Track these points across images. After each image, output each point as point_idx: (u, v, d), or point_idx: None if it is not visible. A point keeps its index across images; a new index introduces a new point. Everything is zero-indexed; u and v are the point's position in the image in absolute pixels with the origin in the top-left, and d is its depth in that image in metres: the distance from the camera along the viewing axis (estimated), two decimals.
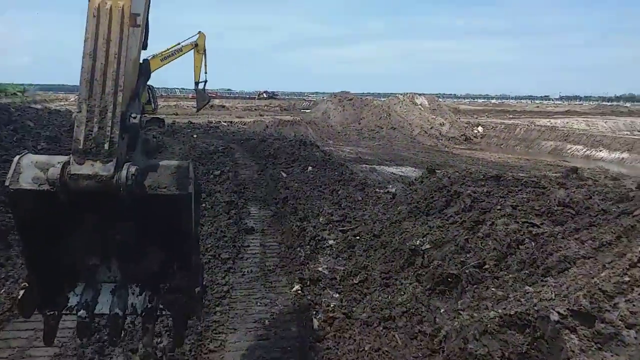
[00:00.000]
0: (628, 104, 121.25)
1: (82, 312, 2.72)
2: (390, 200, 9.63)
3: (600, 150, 36.50)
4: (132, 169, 2.42)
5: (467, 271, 4.61)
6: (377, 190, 10.15)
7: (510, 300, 3.62)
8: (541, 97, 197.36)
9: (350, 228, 7.81)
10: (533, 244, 4.41)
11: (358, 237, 7.05)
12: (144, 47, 3.15)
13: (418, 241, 5.82)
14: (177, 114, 47.76)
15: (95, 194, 2.41)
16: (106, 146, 2.42)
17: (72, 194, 2.40)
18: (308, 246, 6.99)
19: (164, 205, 2.57)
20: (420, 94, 49.97)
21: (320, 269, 6.35)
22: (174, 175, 2.57)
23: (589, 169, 26.91)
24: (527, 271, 4.03)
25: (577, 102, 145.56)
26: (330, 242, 7.20)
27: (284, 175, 11.52)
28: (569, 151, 38.52)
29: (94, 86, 2.49)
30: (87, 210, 2.62)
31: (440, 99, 59.60)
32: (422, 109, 45.92)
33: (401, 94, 49.37)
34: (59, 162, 2.40)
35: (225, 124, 37.07)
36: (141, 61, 3.08)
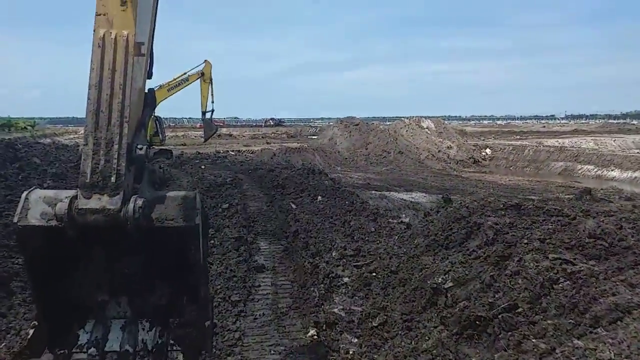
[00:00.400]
0: (635, 122, 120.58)
1: (92, 350, 2.68)
2: (404, 230, 9.30)
3: (611, 170, 35.97)
4: (139, 202, 2.39)
5: (498, 314, 4.26)
6: (390, 220, 9.84)
7: (557, 356, 3.25)
8: (547, 116, 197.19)
9: (365, 263, 7.47)
10: (570, 285, 4.06)
11: (374, 274, 6.71)
12: (149, 76, 3.13)
13: (440, 278, 5.48)
14: (185, 145, 47.93)
15: (103, 228, 2.37)
16: (113, 179, 2.39)
17: (80, 229, 2.36)
18: (322, 285, 6.65)
19: (171, 237, 2.54)
20: (426, 117, 49.92)
21: (336, 310, 6.00)
22: (181, 207, 2.53)
23: (602, 189, 26.56)
24: (570, 319, 3.67)
25: (583, 121, 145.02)
26: (345, 279, 6.85)
27: (294, 206, 11.25)
28: (579, 171, 38.01)
29: (100, 118, 2.47)
30: (96, 245, 2.60)
31: (446, 121, 59.55)
32: (429, 132, 45.77)
33: (407, 118, 49.35)
34: (66, 197, 2.38)
35: (233, 153, 37.06)
36: (146, 91, 3.06)
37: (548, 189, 28.75)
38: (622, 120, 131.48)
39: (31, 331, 2.63)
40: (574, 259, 4.62)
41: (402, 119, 49.44)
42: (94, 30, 2.56)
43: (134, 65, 2.59)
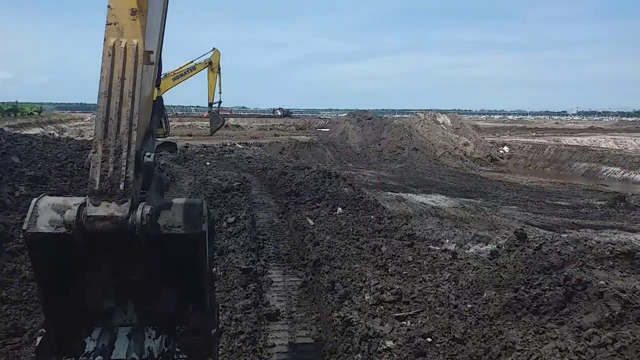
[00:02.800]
0: None
1: (99, 358, 2.68)
2: (450, 261, 7.55)
3: (639, 173, 33.95)
4: (147, 209, 2.39)
5: None
6: (430, 247, 8.09)
7: None
8: (558, 112, 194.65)
9: (409, 314, 5.74)
10: None
11: (429, 339, 4.98)
12: (157, 84, 3.17)
13: None
14: (191, 135, 46.55)
15: (110, 235, 2.39)
16: (121, 186, 2.41)
17: (88, 236, 2.37)
18: (359, 355, 4.92)
19: (178, 245, 2.56)
20: (442, 112, 47.94)
21: None
22: (188, 214, 2.54)
23: (633, 194, 24.71)
24: None
25: (596, 118, 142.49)
26: (389, 343, 5.12)
27: (311, 223, 9.51)
28: (604, 173, 36.05)
29: (108, 125, 2.48)
30: (103, 252, 2.60)
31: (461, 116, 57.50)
32: (445, 128, 43.84)
33: (421, 112, 47.43)
34: (75, 204, 2.39)
35: (240, 146, 35.41)
36: (155, 98, 3.11)
37: (575, 193, 26.93)
38: (636, 118, 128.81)
39: (39, 339, 2.63)
40: None
41: (417, 113, 47.49)
42: (104, 39, 2.59)
43: (143, 73, 2.62)
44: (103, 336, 2.77)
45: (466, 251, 8.15)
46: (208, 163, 21.88)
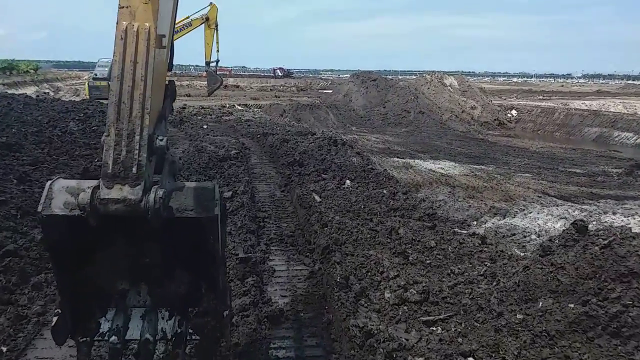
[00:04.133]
0: None
1: (113, 338, 2.69)
2: (479, 248, 6.56)
3: None
4: (160, 192, 2.40)
5: None
6: (456, 230, 7.06)
7: None
8: (563, 75, 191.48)
9: (440, 318, 4.78)
10: None
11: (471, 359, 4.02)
12: (169, 68, 3.16)
13: None
14: (189, 95, 45.04)
15: (124, 217, 2.40)
16: (134, 170, 2.41)
17: (102, 218, 2.39)
18: None
19: (191, 228, 2.58)
20: (449, 74, 46.24)
21: None
22: (200, 198, 2.56)
23: None
24: None
25: (602, 81, 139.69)
26: None
27: (318, 199, 8.45)
28: (616, 139, 34.83)
29: (121, 109, 2.48)
30: (117, 235, 2.64)
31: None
32: (452, 90, 42.27)
33: (428, 73, 45.68)
34: (88, 187, 2.41)
35: (239, 108, 34.04)
36: (167, 82, 3.08)
37: (588, 160, 25.83)
38: None
39: (54, 319, 2.65)
40: None
41: (424, 75, 45.74)
42: (117, 23, 2.56)
43: (155, 57, 2.58)
44: (117, 317, 2.79)
45: (484, 226, 7.14)
46: (205, 126, 20.68)
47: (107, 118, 2.51)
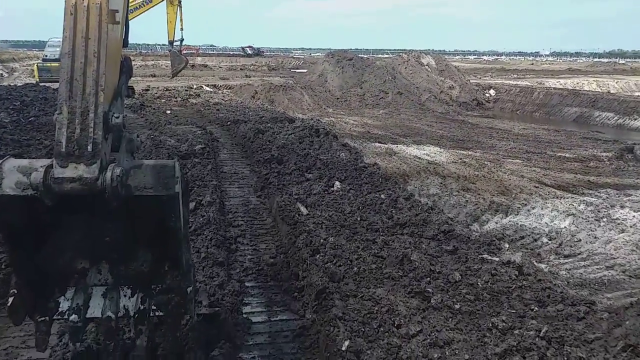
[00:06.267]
0: (622, 61, 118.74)
1: (74, 317, 2.66)
2: (521, 286, 5.11)
3: (635, 119, 32.05)
4: (117, 170, 2.35)
5: None
6: (484, 256, 5.54)
7: None
8: (532, 53, 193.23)
9: None
10: None
11: None
12: (125, 44, 3.13)
13: None
14: (154, 76, 42.53)
15: (80, 196, 2.37)
16: (89, 148, 2.37)
17: (57, 198, 2.36)
18: None
19: (151, 206, 2.53)
20: (426, 53, 44.77)
21: None
22: (160, 175, 2.50)
23: (635, 144, 22.87)
24: None
25: (569, 59, 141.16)
26: None
27: (304, 211, 6.79)
28: (597, 119, 34.09)
29: (74, 86, 2.44)
30: (74, 214, 2.60)
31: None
32: (429, 70, 40.88)
33: (404, 52, 44.11)
34: (41, 166, 2.36)
35: (208, 89, 31.87)
36: (122, 59, 3.04)
37: (574, 142, 24.88)
38: (612, 60, 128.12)
39: (11, 299, 2.59)
40: None
41: (400, 54, 44.16)
42: None
43: (108, 33, 2.50)
44: (77, 296, 2.73)
45: (488, 226, 5.70)
46: (169, 111, 18.67)
47: (59, 95, 2.44)
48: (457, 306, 4.67)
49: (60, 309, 2.74)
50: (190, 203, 7.01)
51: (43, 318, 2.73)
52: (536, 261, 8.34)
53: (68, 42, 2.43)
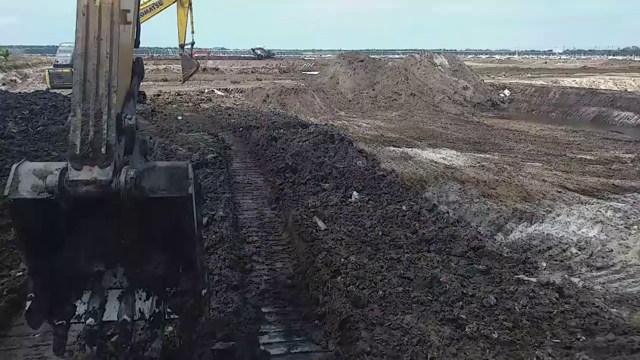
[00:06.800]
0: (638, 58, 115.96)
1: (90, 320, 2.65)
2: (563, 311, 4.69)
3: None
4: (131, 172, 2.36)
5: None
6: (520, 277, 5.09)
7: None
8: (545, 51, 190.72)
9: None
10: None
11: None
12: (136, 45, 3.13)
13: None
14: (166, 80, 42.51)
15: (95, 199, 2.37)
16: (103, 150, 2.37)
17: (72, 201, 2.36)
18: None
19: (164, 208, 2.53)
20: (438, 52, 44.16)
21: None
22: (173, 177, 2.51)
23: None
24: None
25: (584, 57, 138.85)
26: None
27: (322, 226, 6.40)
28: (616, 119, 33.21)
29: (87, 88, 2.44)
30: (89, 216, 2.57)
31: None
32: (443, 70, 40.24)
33: (417, 52, 43.56)
34: (56, 169, 2.36)
35: (220, 93, 31.67)
36: (134, 59, 3.04)
37: (594, 143, 24.16)
38: (627, 57, 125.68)
39: (28, 303, 2.61)
40: None
41: (412, 54, 43.63)
42: None
43: (120, 33, 2.51)
44: (93, 299, 2.71)
45: (512, 236, 5.26)
46: (180, 117, 18.43)
47: (73, 97, 2.42)
48: (494, 335, 4.25)
49: (77, 313, 2.78)
50: (203, 218, 6.66)
51: (60, 322, 2.75)
52: (568, 275, 7.87)
53: (81, 43, 2.42)
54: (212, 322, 4.21)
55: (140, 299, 2.82)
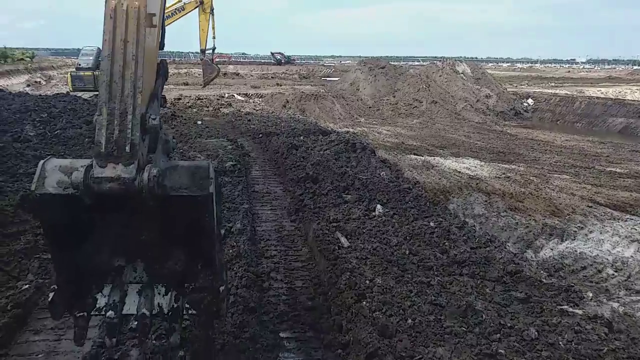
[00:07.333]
0: None
1: (110, 313, 2.72)
2: (614, 349, 4.20)
3: None
4: (154, 171, 2.42)
5: None
6: (564, 308, 4.63)
7: None
8: (567, 60, 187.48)
9: None
10: None
11: None
12: (161, 47, 3.21)
13: None
14: (186, 84, 42.64)
15: (118, 196, 2.43)
16: (127, 148, 2.42)
17: (96, 197, 2.42)
18: None
19: (185, 206, 2.59)
20: (460, 60, 43.51)
21: None
22: (195, 176, 2.58)
23: None
24: None
25: (607, 67, 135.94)
26: None
27: (345, 243, 6.01)
28: None
29: (113, 89, 2.50)
30: (112, 212, 2.63)
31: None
32: (465, 78, 39.60)
33: (439, 60, 42.99)
34: (82, 166, 2.43)
35: (239, 97, 31.54)
36: (159, 61, 3.12)
37: (623, 155, 23.35)
38: None
39: (51, 295, 2.69)
40: None
41: (434, 61, 43.06)
42: (105, 1, 2.54)
43: (146, 36, 2.58)
44: (114, 292, 2.79)
45: (543, 253, 4.77)
46: (200, 122, 18.23)
47: (99, 97, 2.48)
48: None
49: (97, 305, 2.82)
50: (221, 231, 6.33)
51: (81, 313, 2.81)
52: (606, 298, 7.34)
53: (108, 45, 2.48)
54: (226, 351, 3.85)
55: (159, 293, 2.87)
